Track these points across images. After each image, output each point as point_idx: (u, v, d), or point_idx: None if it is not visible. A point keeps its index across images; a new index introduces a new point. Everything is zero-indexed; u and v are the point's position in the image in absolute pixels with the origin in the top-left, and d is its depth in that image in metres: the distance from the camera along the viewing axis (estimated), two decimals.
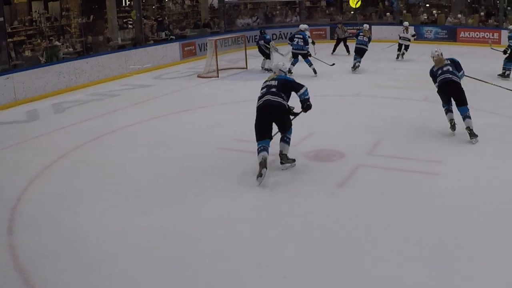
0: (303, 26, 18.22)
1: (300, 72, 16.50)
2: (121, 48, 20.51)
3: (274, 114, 8.29)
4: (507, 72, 15.75)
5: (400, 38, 20.81)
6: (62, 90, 15.78)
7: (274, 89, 8.33)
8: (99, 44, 20.39)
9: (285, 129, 8.49)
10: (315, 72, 17.35)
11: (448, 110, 10.18)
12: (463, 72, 10.29)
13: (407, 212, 7.06)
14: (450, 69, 9.96)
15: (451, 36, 25.92)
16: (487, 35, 24.43)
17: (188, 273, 5.66)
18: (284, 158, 8.56)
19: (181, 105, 13.63)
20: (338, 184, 8.04)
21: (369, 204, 7.34)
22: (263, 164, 7.97)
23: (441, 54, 10.25)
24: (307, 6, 31.53)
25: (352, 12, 30.17)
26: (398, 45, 20.91)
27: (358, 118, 11.78)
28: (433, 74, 10.23)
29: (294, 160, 8.69)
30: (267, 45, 18.45)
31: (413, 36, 20.83)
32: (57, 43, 18.65)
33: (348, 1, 29.44)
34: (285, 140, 8.55)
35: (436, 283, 5.39)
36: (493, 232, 6.42)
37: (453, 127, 10.18)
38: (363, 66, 18.16)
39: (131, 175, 8.73)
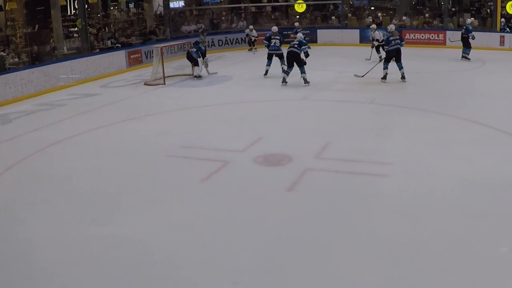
0: (275, 28, 18.85)
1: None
2: (67, 57, 20.28)
3: (294, 56, 16.05)
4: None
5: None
6: (8, 101, 15.54)
7: (295, 44, 16.18)
8: (45, 54, 20.15)
9: (301, 65, 16.06)
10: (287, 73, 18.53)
11: (386, 67, 16.29)
12: (403, 42, 17.00)
13: (357, 215, 7.20)
14: (398, 41, 16.25)
15: None
16: (432, 36, 25.07)
17: (140, 281, 5.70)
18: (305, 81, 16.03)
19: (128, 113, 13.58)
20: (287, 188, 8.13)
21: (319, 207, 7.45)
22: (284, 80, 16.25)
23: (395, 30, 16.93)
24: (252, 11, 31.69)
25: (298, 17, 30.39)
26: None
27: (306, 122, 11.96)
28: (388, 41, 16.36)
29: (309, 82, 16.07)
30: (200, 53, 18.59)
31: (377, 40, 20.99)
32: (2, 53, 18.36)
33: (293, 6, 29.71)
34: (303, 72, 16.10)
35: (387, 282, 5.55)
36: (442, 231, 6.61)
37: (384, 78, 16.28)
38: (310, 71, 18.41)
39: (79, 185, 8.70)
